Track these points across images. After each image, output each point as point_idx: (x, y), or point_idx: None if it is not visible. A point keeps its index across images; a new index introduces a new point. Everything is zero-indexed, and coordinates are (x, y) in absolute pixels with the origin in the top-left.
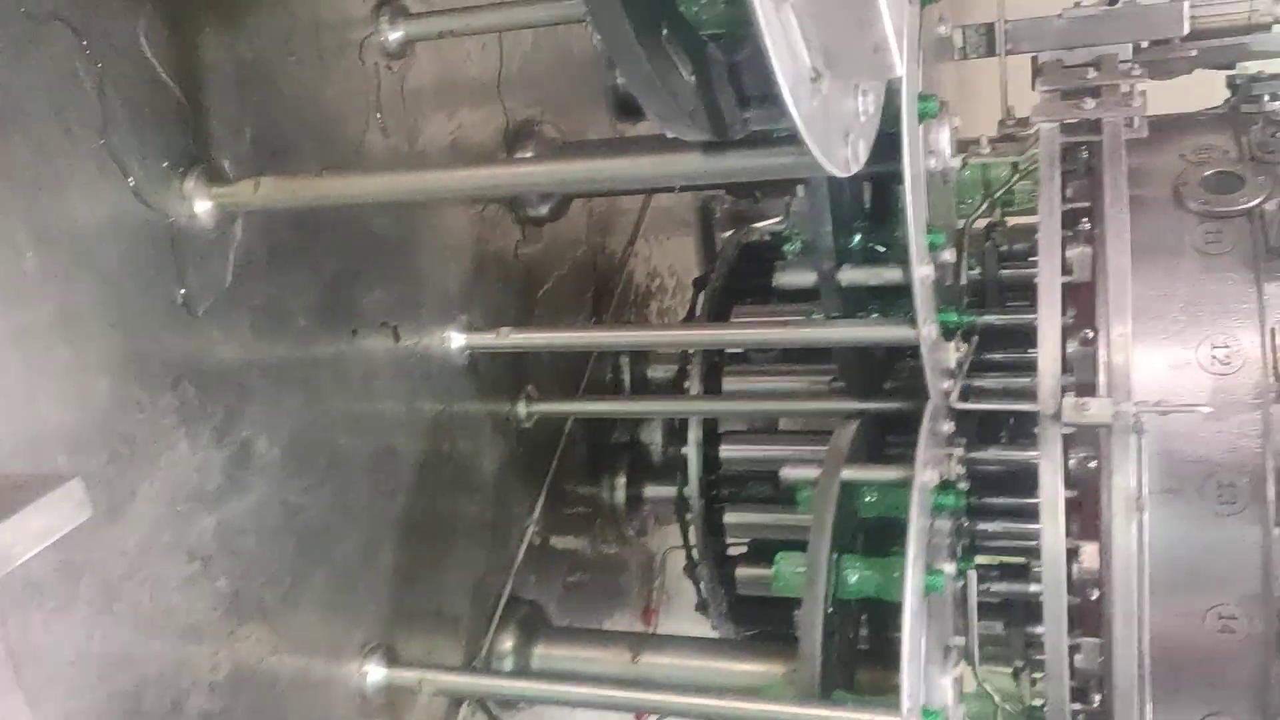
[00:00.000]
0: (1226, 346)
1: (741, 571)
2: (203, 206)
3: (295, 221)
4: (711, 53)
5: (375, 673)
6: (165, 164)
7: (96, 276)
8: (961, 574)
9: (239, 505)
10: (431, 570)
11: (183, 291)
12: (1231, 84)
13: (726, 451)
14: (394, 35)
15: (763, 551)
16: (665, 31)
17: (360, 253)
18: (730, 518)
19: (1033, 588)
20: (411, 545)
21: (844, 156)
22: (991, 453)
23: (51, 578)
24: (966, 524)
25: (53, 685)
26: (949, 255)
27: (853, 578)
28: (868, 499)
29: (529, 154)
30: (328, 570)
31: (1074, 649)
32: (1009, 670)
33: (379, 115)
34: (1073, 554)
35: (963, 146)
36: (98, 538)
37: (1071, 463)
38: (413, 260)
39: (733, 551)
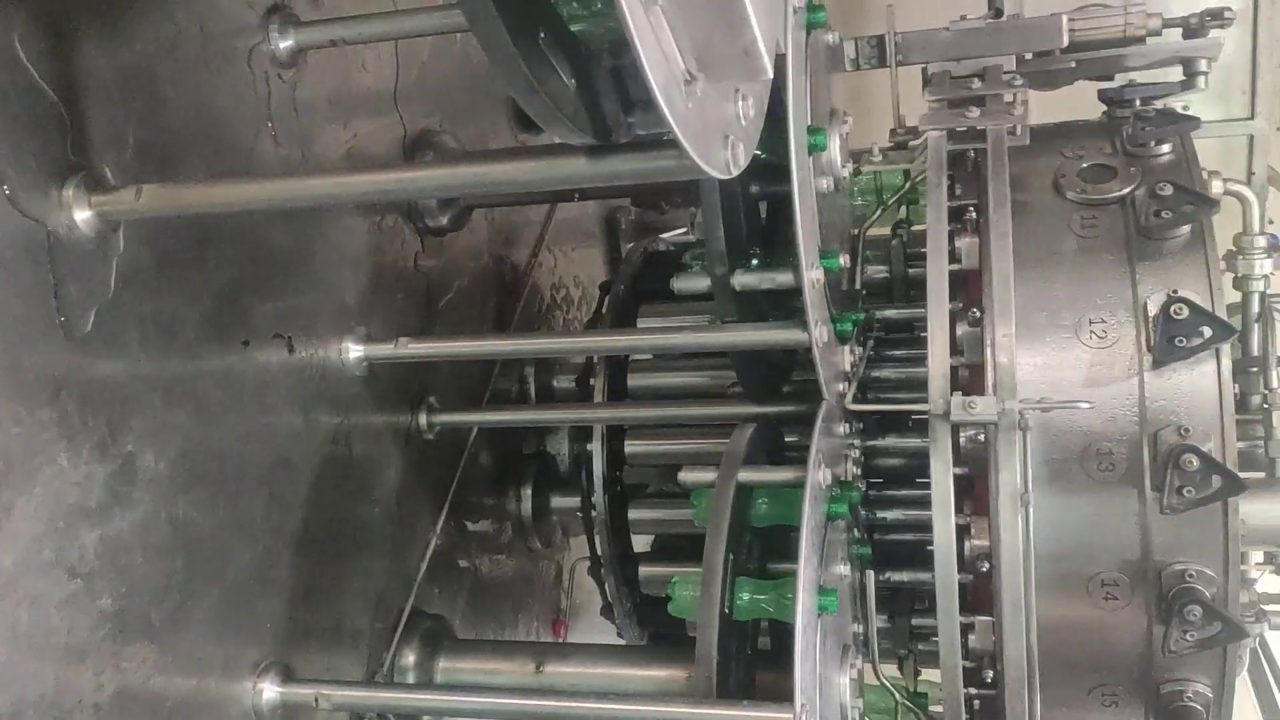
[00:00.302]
0: (1103, 322)
1: (644, 570)
2: (82, 215)
3: (183, 231)
4: (593, 57)
5: (270, 691)
6: (42, 172)
7: None
8: (859, 565)
9: (123, 521)
10: (331, 585)
11: (61, 303)
12: (1103, 95)
13: (631, 447)
14: (284, 43)
15: (667, 549)
16: (543, 35)
17: (253, 264)
18: (634, 514)
19: (922, 576)
20: (309, 560)
21: (724, 159)
22: (889, 440)
23: None
24: (865, 514)
25: None
26: (844, 260)
27: (745, 598)
28: (761, 507)
29: (429, 155)
30: (220, 587)
31: (967, 628)
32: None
33: (270, 124)
34: (964, 531)
35: (858, 155)
36: None
37: (963, 438)
38: (308, 271)
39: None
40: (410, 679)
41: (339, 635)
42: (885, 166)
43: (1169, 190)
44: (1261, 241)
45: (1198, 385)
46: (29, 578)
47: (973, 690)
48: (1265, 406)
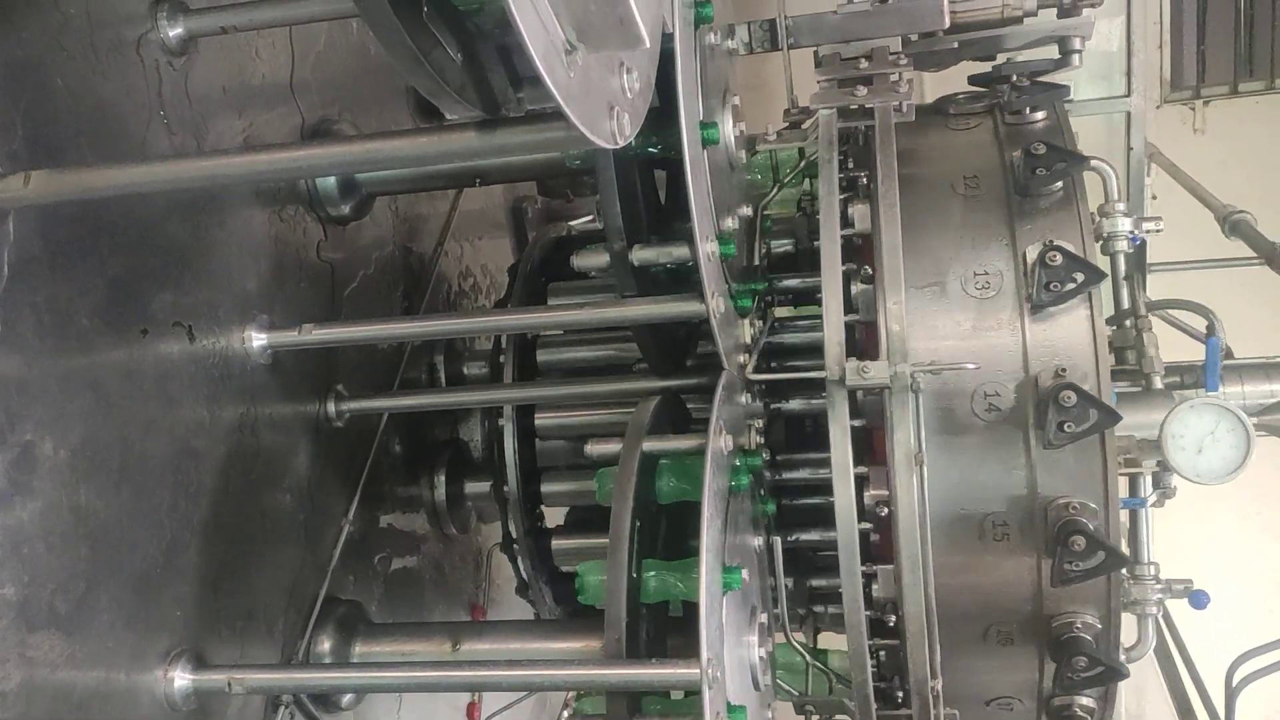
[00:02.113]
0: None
1: (556, 543)
2: None
3: (76, 218)
4: (479, 32)
5: (182, 678)
6: None
7: None
8: (764, 522)
9: (24, 510)
10: (242, 573)
11: None
12: (974, 79)
13: (541, 420)
14: (174, 31)
15: (579, 523)
16: (426, 9)
17: (149, 253)
18: (546, 487)
19: (828, 535)
20: (219, 548)
21: (609, 130)
22: (794, 404)
23: None
24: (770, 475)
25: None
26: (732, 223)
27: (653, 583)
28: (667, 483)
29: None
30: (126, 575)
31: (869, 577)
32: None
33: (162, 113)
34: (863, 480)
35: (754, 139)
36: None
37: (860, 395)
38: (207, 261)
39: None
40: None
41: (252, 622)
42: (780, 145)
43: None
44: (1121, 206)
45: (1073, 328)
46: None
47: (877, 640)
48: (1136, 330)
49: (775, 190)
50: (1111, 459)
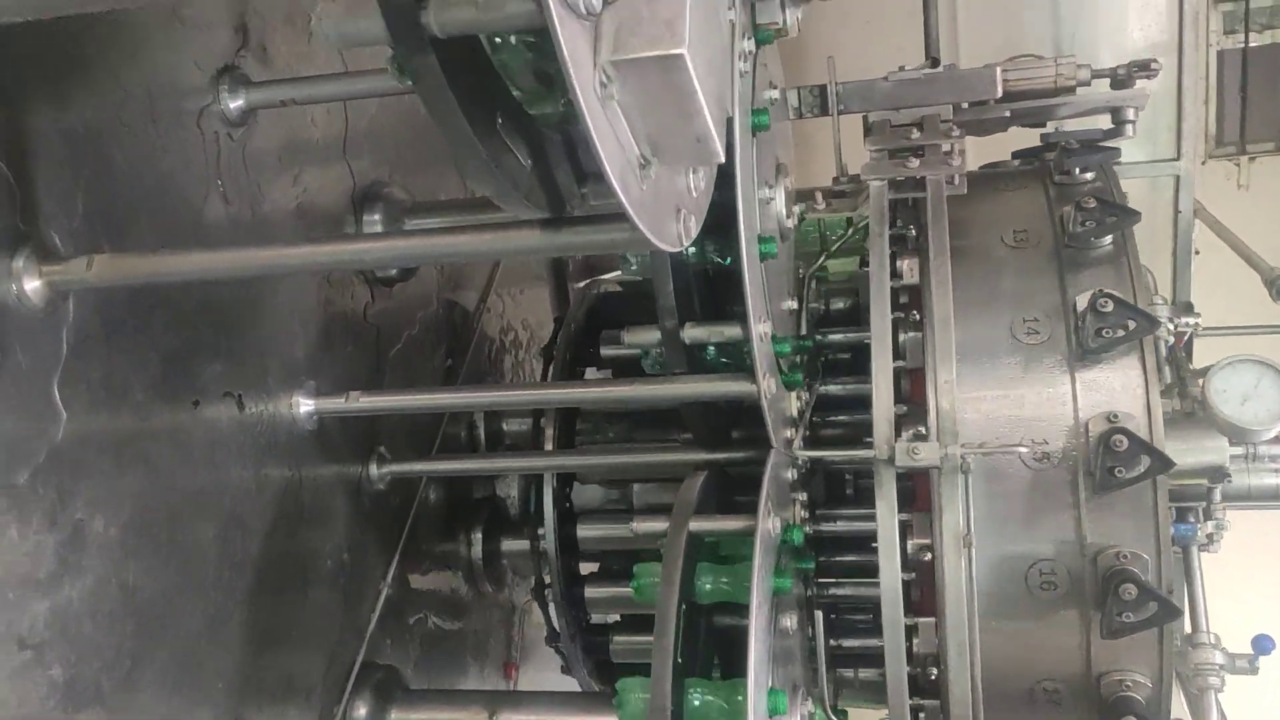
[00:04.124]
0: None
1: (590, 592)
2: (32, 285)
3: (131, 296)
4: (547, 135)
5: None
6: None
7: None
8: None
9: (74, 589)
10: (282, 640)
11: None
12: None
13: (583, 531)
14: (234, 104)
15: (611, 572)
16: (501, 121)
17: (201, 323)
18: (583, 531)
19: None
20: (261, 616)
21: (675, 233)
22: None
23: None
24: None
25: None
26: (790, 304)
27: (706, 584)
28: (706, 587)
29: (377, 216)
30: (170, 649)
31: (910, 630)
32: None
33: (220, 182)
34: (906, 527)
35: (804, 195)
36: None
37: (909, 548)
38: (257, 328)
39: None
40: None
41: (290, 690)
42: (828, 214)
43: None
44: (1159, 299)
45: (1124, 374)
46: None
47: (917, 700)
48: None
49: (822, 258)
50: (1163, 507)
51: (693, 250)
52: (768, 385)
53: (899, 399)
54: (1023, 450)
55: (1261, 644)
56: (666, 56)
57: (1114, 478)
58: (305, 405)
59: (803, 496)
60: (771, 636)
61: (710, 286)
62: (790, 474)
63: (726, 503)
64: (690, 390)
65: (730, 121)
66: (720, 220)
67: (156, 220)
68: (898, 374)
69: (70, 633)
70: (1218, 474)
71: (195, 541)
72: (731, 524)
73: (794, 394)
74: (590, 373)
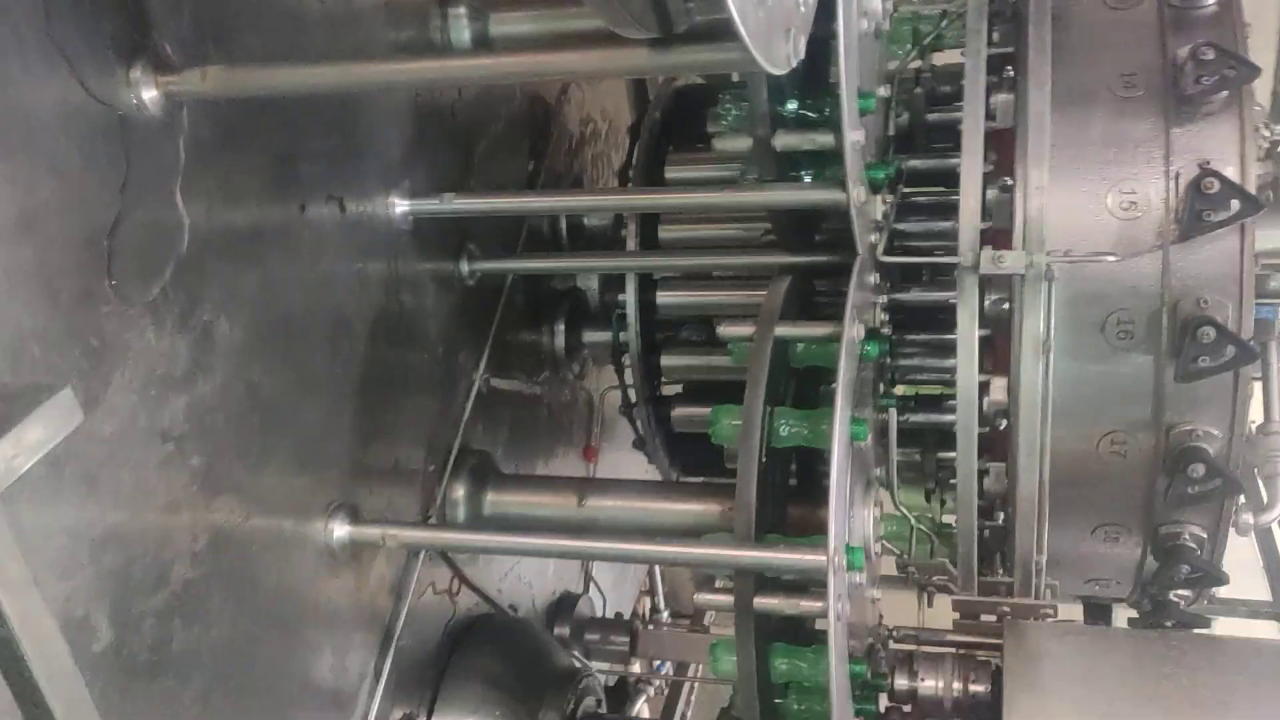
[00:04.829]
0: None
1: (678, 411)
2: (150, 95)
3: (242, 102)
4: None
5: (340, 530)
6: (109, 52)
7: (53, 174)
8: (883, 409)
9: (206, 387)
10: (387, 429)
11: (133, 182)
12: None
13: (663, 298)
14: None
15: (697, 392)
16: None
17: (304, 126)
18: (666, 360)
19: (946, 418)
20: (368, 408)
21: (785, 53)
22: (914, 294)
23: (38, 469)
24: (889, 361)
25: (48, 570)
26: (882, 91)
27: (784, 430)
28: (799, 349)
29: (461, 9)
30: (291, 440)
31: (983, 473)
32: (922, 492)
33: None
34: (984, 388)
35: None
36: (79, 429)
37: (986, 303)
38: (355, 129)
39: (666, 392)
40: (460, 513)
41: (396, 475)
42: (924, 6)
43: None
44: None
45: (1222, 259)
46: (128, 444)
47: (984, 521)
48: None
49: (913, 53)
50: (1248, 254)
51: None
52: (857, 194)
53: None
54: (1111, 258)
55: None
56: None
57: (1201, 221)
58: (401, 206)
59: (883, 300)
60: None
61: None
62: (873, 278)
63: (808, 307)
64: (780, 198)
65: None
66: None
67: (255, 18)
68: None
69: (206, 426)
70: None
71: (308, 340)
72: (816, 329)
73: (879, 197)
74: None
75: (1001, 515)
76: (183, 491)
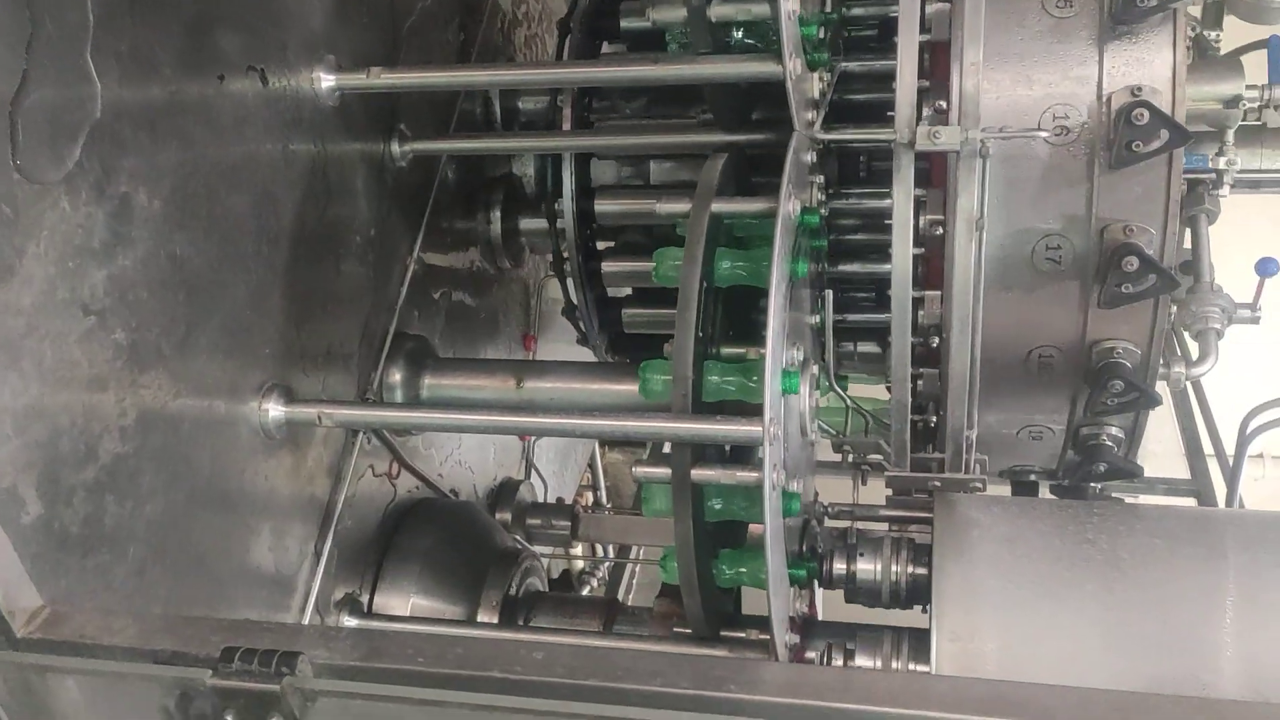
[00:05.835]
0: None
1: (607, 266)
2: None
3: None
4: None
5: (275, 409)
6: None
7: None
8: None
9: (127, 259)
10: (319, 312)
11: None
12: None
13: (601, 206)
14: None
15: (628, 246)
16: None
17: None
18: (607, 267)
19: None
20: (299, 289)
21: None
22: (851, 201)
23: None
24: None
25: None
26: None
27: (725, 266)
28: (725, 267)
29: None
30: (220, 317)
31: (916, 376)
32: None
33: None
34: (918, 303)
35: None
36: None
37: (921, 224)
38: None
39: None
40: (398, 396)
41: (330, 357)
42: None
43: None
44: None
45: (1153, 49)
46: (48, 316)
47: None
48: None
49: None
50: (1175, 182)
51: None
52: (794, 66)
53: (922, 75)
54: (1043, 134)
55: (1265, 266)
56: None
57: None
58: (326, 80)
59: (819, 179)
60: (786, 314)
61: None
62: (810, 156)
63: (744, 185)
64: (715, 71)
65: None
66: None
67: None
68: (921, 50)
69: (128, 300)
70: (1233, 102)
71: (233, 215)
72: (753, 205)
73: (816, 74)
74: (606, 47)
75: (936, 341)
76: (107, 366)
